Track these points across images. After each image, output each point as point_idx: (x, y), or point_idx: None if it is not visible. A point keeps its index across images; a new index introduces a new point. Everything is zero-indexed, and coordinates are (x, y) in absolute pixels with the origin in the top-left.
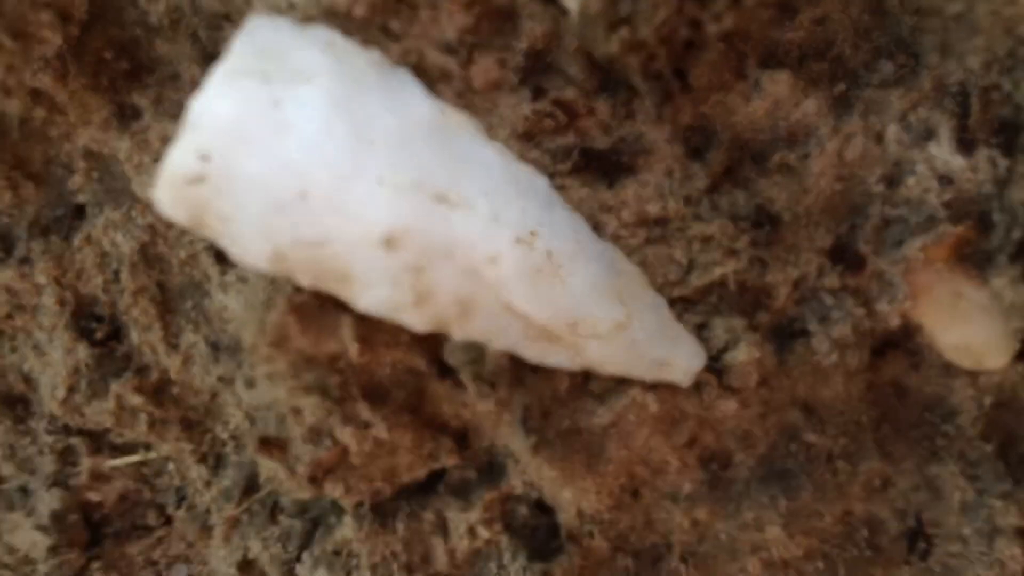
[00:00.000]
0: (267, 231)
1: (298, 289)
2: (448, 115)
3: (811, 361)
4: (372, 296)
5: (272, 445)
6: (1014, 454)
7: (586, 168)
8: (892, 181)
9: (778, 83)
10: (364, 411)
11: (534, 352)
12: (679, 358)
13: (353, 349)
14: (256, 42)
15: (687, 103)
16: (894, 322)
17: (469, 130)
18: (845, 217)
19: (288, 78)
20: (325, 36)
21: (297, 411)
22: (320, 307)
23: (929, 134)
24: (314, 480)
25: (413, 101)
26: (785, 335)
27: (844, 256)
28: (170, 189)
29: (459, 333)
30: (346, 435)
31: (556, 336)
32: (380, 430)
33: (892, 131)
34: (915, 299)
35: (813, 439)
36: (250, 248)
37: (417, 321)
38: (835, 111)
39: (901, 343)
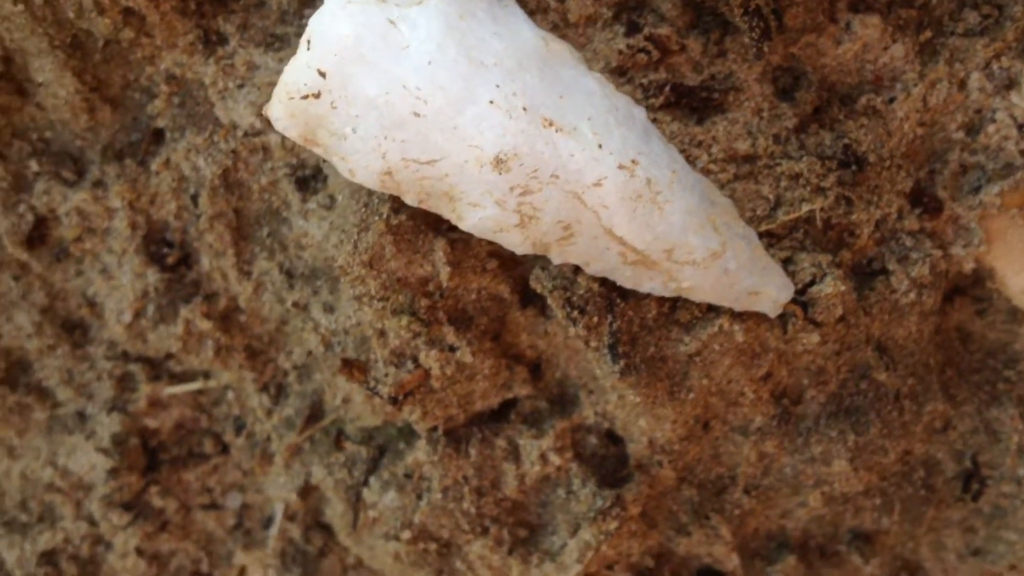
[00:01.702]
0: (379, 148)
1: (395, 211)
2: (551, 44)
3: (889, 299)
4: (477, 216)
5: (353, 366)
6: None
7: (676, 104)
8: (972, 128)
9: (868, 27)
10: (450, 335)
11: (629, 277)
12: (769, 288)
13: (444, 273)
14: None
15: (778, 44)
16: (968, 266)
17: (571, 59)
18: (925, 162)
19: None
20: None
21: (382, 333)
22: (415, 230)
23: (1011, 83)
24: (395, 402)
25: (520, 28)
26: (865, 274)
27: (923, 200)
28: (286, 104)
29: (558, 256)
30: (430, 358)
31: (652, 262)
32: (464, 354)
33: (975, 79)
34: (989, 244)
35: (883, 378)
36: (361, 165)
37: (519, 242)
38: (921, 57)
39: (968, 290)
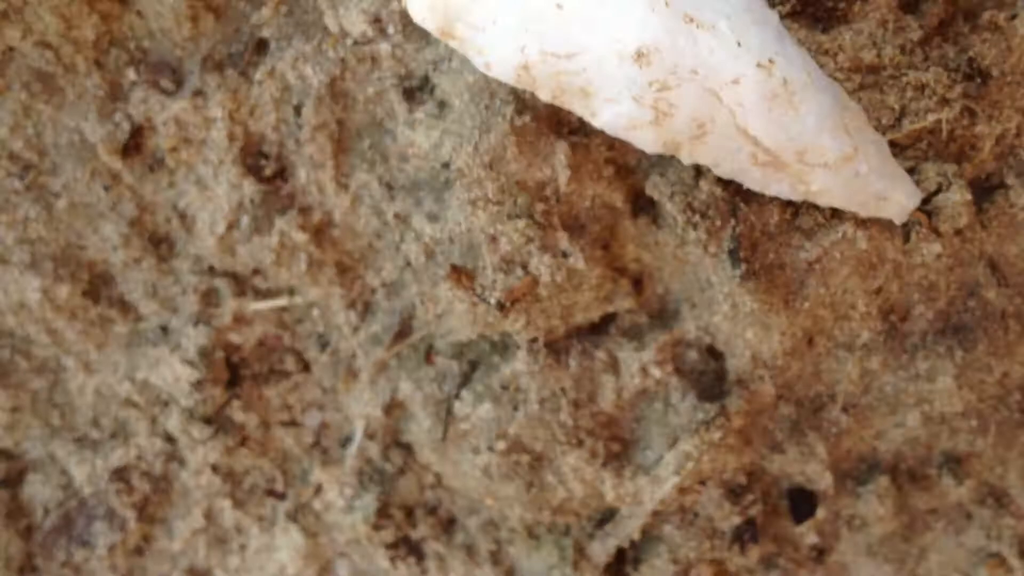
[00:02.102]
0: (518, 41)
1: (519, 112)
2: None
3: (1008, 213)
4: (613, 111)
5: (462, 273)
6: None
7: (802, 13)
8: None
9: None
10: (563, 241)
11: (758, 179)
12: (897, 194)
13: (564, 176)
14: None
15: None
16: None
17: None
18: None
19: None
20: None
21: (494, 239)
22: (538, 132)
23: None
24: (502, 307)
25: None
26: (983, 188)
27: None
28: None
29: (688, 156)
30: (542, 264)
31: (783, 163)
32: (577, 260)
33: None
34: None
35: (992, 296)
36: (498, 58)
37: (651, 140)
38: None
39: None
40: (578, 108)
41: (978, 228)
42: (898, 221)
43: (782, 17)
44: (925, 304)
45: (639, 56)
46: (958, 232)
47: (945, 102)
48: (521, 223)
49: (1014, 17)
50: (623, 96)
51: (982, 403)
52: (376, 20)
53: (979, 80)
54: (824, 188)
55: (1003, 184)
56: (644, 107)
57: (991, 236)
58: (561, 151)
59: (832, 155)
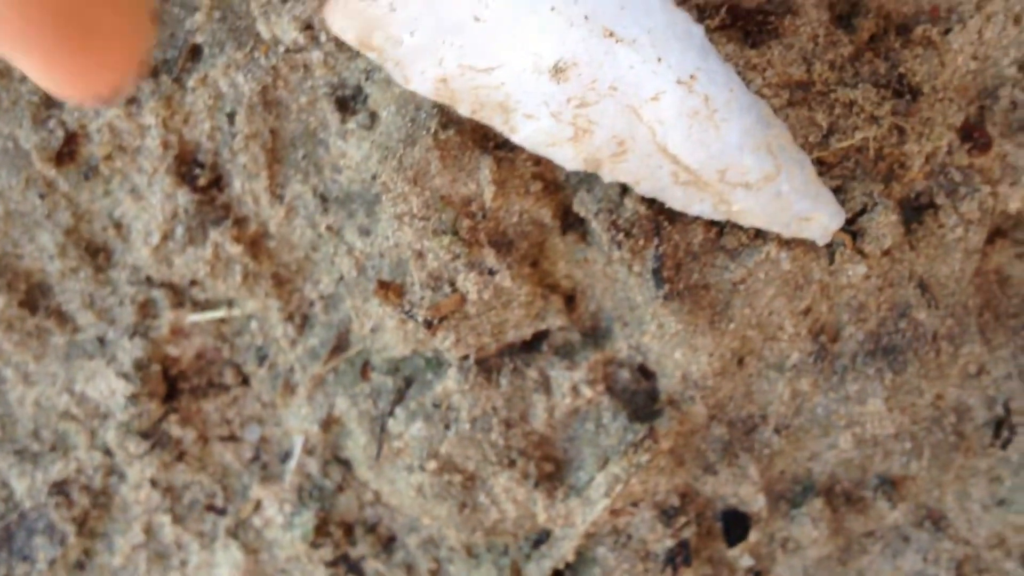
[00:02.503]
0: (436, 53)
1: (443, 126)
2: None
3: (936, 234)
4: (532, 127)
5: (389, 288)
6: None
7: (732, 26)
8: None
9: None
10: (490, 257)
11: (679, 198)
12: (821, 214)
13: (489, 192)
14: None
15: None
16: (1014, 205)
17: None
18: (976, 97)
19: None
20: None
21: (421, 255)
22: (462, 146)
23: None
24: (429, 326)
25: None
26: (913, 208)
27: (972, 135)
28: (342, 5)
29: (608, 173)
30: (468, 281)
31: (704, 182)
32: (503, 278)
33: None
34: None
35: (923, 317)
36: (417, 71)
37: (570, 157)
38: None
39: (1009, 232)
40: (497, 123)
41: (907, 248)
42: (821, 242)
43: (710, 31)
44: (855, 325)
45: (557, 71)
46: (886, 252)
47: (874, 120)
48: (446, 239)
49: (948, 32)
50: (542, 112)
51: (915, 425)
52: (308, 27)
53: (909, 97)
54: (746, 208)
55: (933, 204)
56: (563, 123)
57: (920, 257)
58: (486, 166)
59: (754, 174)
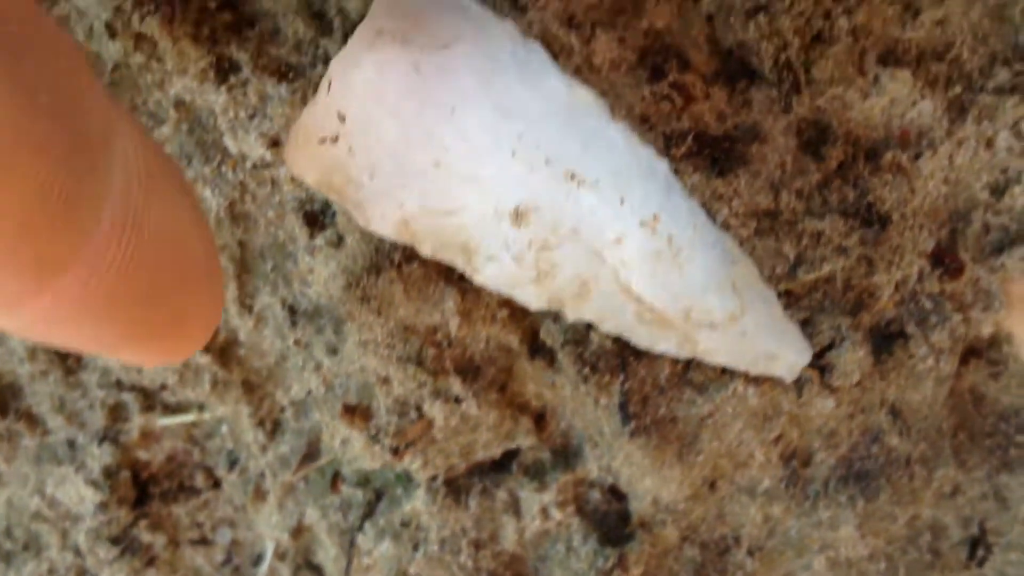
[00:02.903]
0: (397, 197)
1: (407, 258)
2: (577, 91)
3: (907, 364)
4: (494, 269)
5: (355, 412)
6: None
7: (699, 154)
8: (998, 189)
9: (897, 81)
10: (456, 385)
11: (644, 336)
12: (786, 353)
13: (454, 323)
14: (396, 4)
15: (805, 96)
16: (987, 330)
17: (596, 108)
18: (948, 221)
19: (428, 43)
20: (461, 2)
21: (386, 381)
22: (426, 278)
23: None
24: (395, 451)
25: (547, 74)
26: (883, 337)
27: (944, 261)
28: (302, 148)
29: (573, 312)
30: (435, 409)
31: (669, 322)
32: (470, 406)
33: (1003, 138)
34: (1009, 308)
35: (895, 443)
36: (377, 214)
37: (534, 298)
38: (949, 114)
39: (984, 352)
40: (460, 264)
41: (877, 378)
42: (788, 379)
43: (676, 160)
44: (826, 451)
45: (518, 215)
46: (857, 383)
47: (842, 251)
48: (411, 368)
49: (918, 157)
50: (503, 254)
51: (890, 545)
52: (274, 144)
53: (878, 226)
54: (711, 347)
55: (903, 333)
56: (525, 266)
57: (891, 385)
58: (450, 298)
59: (718, 314)
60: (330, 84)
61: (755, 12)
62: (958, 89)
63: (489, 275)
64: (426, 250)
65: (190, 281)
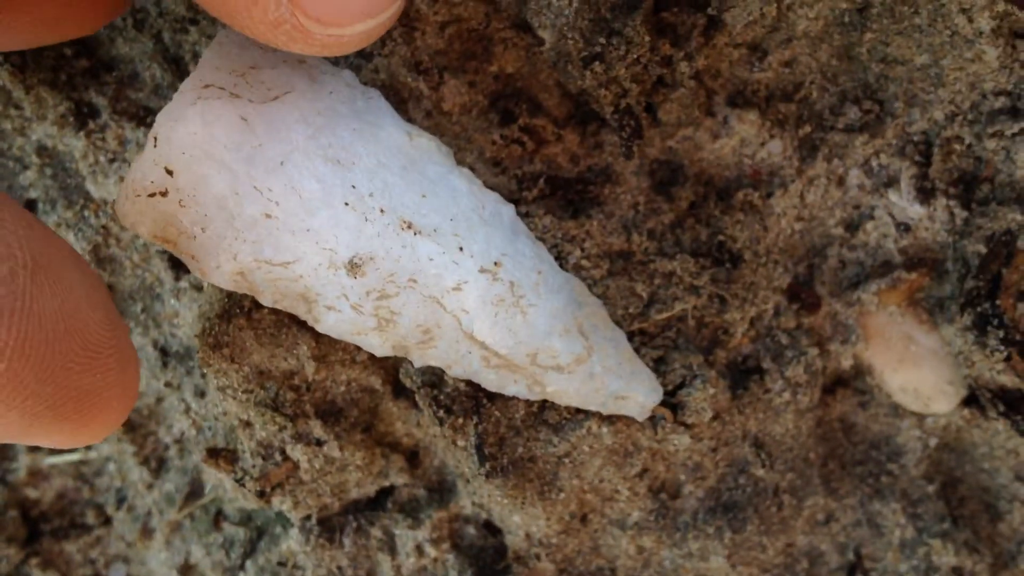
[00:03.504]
0: (230, 249)
1: (257, 305)
2: (417, 140)
3: (764, 399)
4: (334, 319)
5: (220, 456)
6: (955, 495)
7: (551, 196)
8: (851, 225)
9: (745, 122)
10: (317, 428)
11: (493, 380)
12: (636, 393)
13: (310, 367)
14: (226, 56)
15: (655, 137)
16: (846, 363)
17: (438, 155)
18: (804, 257)
19: (258, 95)
20: (296, 54)
21: (248, 425)
22: (278, 324)
23: (890, 181)
24: (262, 495)
25: (384, 123)
26: (739, 372)
27: (800, 296)
28: (132, 201)
29: (419, 359)
30: (297, 452)
31: (516, 366)
32: (332, 448)
33: (854, 175)
34: (868, 341)
35: (761, 473)
36: (212, 265)
37: (377, 345)
38: (800, 153)
39: (851, 382)
40: (301, 313)
41: (736, 412)
42: (639, 418)
43: (528, 203)
44: (694, 483)
45: (353, 266)
46: (715, 417)
47: (693, 289)
48: (269, 413)
49: (770, 196)
50: (343, 304)
51: (766, 573)
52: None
53: (730, 264)
54: (560, 389)
55: (759, 368)
56: (365, 315)
57: (751, 419)
58: (304, 343)
59: (564, 357)
60: (156, 139)
61: (591, 60)
62: (808, 128)
63: (331, 324)
64: (267, 300)
65: (95, 361)
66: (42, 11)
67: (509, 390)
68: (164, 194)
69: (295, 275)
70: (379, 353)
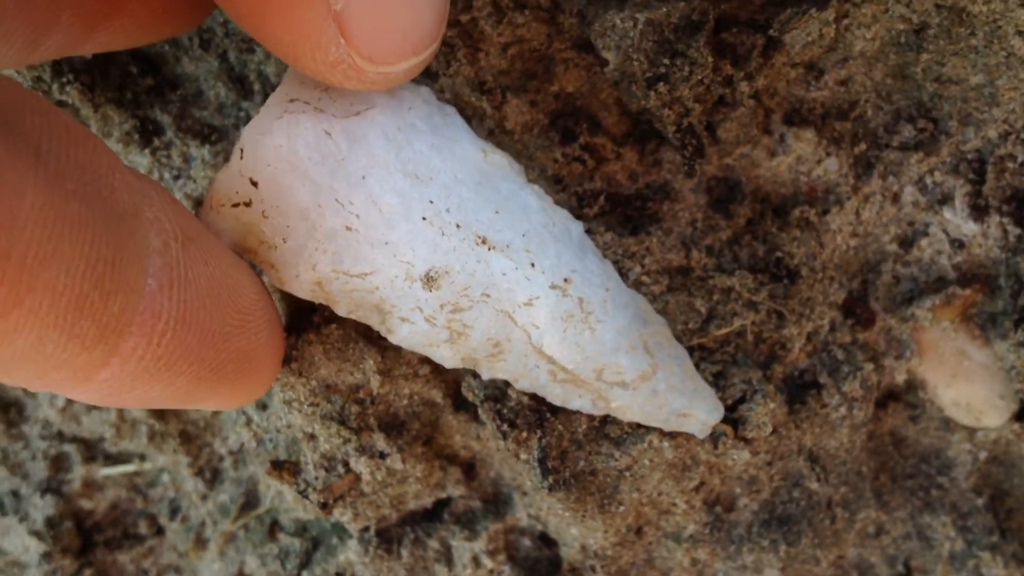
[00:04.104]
0: (310, 259)
1: (326, 319)
2: (491, 156)
3: (820, 413)
4: (407, 330)
5: (283, 468)
6: (1003, 508)
7: (611, 213)
8: (906, 241)
9: (802, 140)
10: (380, 441)
11: (558, 395)
12: (698, 410)
13: (375, 381)
14: None
15: (713, 155)
16: (900, 377)
17: (511, 171)
18: (858, 273)
19: (339, 111)
20: None
21: (312, 437)
22: (345, 338)
23: (944, 198)
24: (324, 506)
25: (460, 139)
26: (796, 387)
27: (855, 311)
28: (217, 211)
29: (487, 372)
30: (360, 464)
31: (582, 381)
32: (394, 460)
33: (909, 193)
34: (921, 356)
35: (815, 487)
36: (291, 275)
37: (448, 357)
38: (855, 170)
39: (902, 396)
40: (375, 324)
41: (792, 426)
42: (700, 435)
43: (588, 219)
44: (748, 496)
45: (428, 280)
46: (772, 431)
47: (751, 305)
48: (335, 426)
49: (826, 212)
50: (416, 316)
51: None
52: (199, 204)
53: (787, 280)
54: (623, 405)
55: (816, 383)
56: (438, 327)
57: (807, 434)
58: (370, 357)
59: (630, 374)
60: (242, 151)
61: (656, 81)
62: (863, 146)
63: (403, 336)
64: (341, 311)
65: (248, 323)
66: (144, 13)
67: (573, 404)
68: (248, 204)
69: (371, 286)
70: (449, 365)
